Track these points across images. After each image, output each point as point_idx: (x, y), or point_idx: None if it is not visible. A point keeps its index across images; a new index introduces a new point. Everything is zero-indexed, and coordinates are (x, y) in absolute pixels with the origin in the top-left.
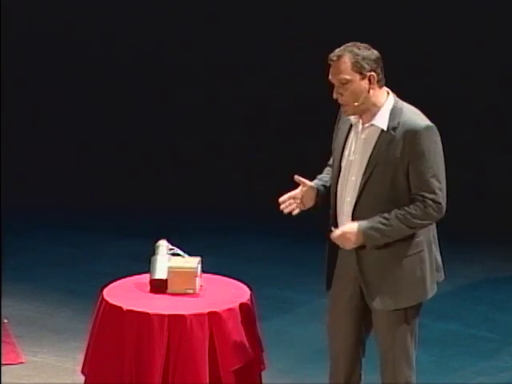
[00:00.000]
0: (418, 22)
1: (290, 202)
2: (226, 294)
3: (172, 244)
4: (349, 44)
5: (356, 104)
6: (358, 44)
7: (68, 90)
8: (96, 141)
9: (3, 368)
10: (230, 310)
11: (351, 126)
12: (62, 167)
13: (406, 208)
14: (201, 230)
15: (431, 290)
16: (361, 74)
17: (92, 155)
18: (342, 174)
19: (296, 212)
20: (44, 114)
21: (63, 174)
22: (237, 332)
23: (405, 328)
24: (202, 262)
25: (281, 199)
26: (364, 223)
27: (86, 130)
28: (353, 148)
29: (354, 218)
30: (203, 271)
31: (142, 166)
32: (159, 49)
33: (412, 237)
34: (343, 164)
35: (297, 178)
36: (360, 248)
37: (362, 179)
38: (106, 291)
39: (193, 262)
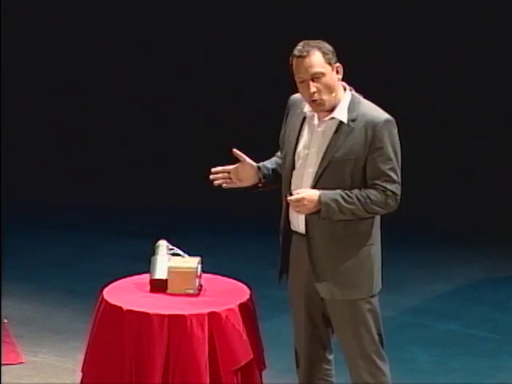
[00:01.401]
0: (417, 22)
1: (224, 175)
2: (226, 294)
3: (172, 244)
4: (304, 41)
5: (333, 95)
6: (313, 40)
7: (68, 89)
8: (96, 141)
9: (3, 368)
10: (230, 310)
11: (304, 119)
12: (62, 167)
13: (367, 191)
14: (201, 230)
15: (377, 286)
16: (330, 65)
17: (92, 155)
18: (296, 167)
19: (225, 186)
20: (44, 114)
21: (63, 174)
22: (237, 332)
23: (366, 316)
24: (202, 262)
25: (213, 170)
26: (326, 194)
27: (86, 129)
28: (308, 141)
29: None
30: (203, 271)
31: (141, 166)
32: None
33: (365, 229)
34: (298, 157)
35: (235, 151)
36: (311, 236)
37: (318, 171)
38: (105, 291)
39: (193, 262)
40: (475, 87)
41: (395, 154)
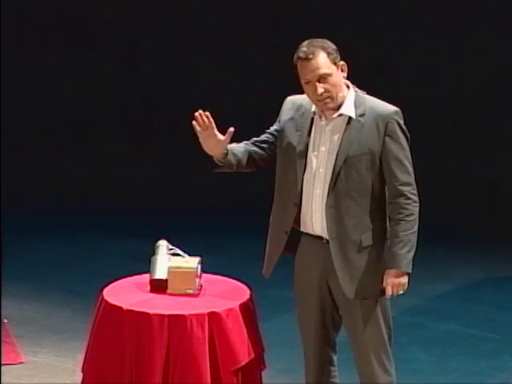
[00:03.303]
0: (418, 22)
1: (204, 124)
2: (226, 294)
3: (172, 244)
4: (308, 41)
5: (340, 95)
6: (317, 39)
7: (68, 89)
8: (96, 141)
9: (3, 368)
10: (230, 309)
11: (312, 120)
12: (62, 167)
13: (398, 217)
14: (201, 230)
15: None
16: (336, 64)
17: (92, 155)
18: (307, 168)
19: (196, 129)
20: (44, 114)
21: (63, 174)
22: (237, 332)
23: (379, 318)
24: (202, 262)
25: (202, 113)
26: (394, 262)
27: (86, 129)
28: (318, 141)
29: (326, 210)
30: (203, 271)
31: (141, 166)
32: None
33: (379, 225)
34: (308, 158)
35: (231, 131)
36: (330, 238)
37: (334, 169)
38: (105, 291)
39: (193, 262)
40: (475, 87)
41: (406, 144)
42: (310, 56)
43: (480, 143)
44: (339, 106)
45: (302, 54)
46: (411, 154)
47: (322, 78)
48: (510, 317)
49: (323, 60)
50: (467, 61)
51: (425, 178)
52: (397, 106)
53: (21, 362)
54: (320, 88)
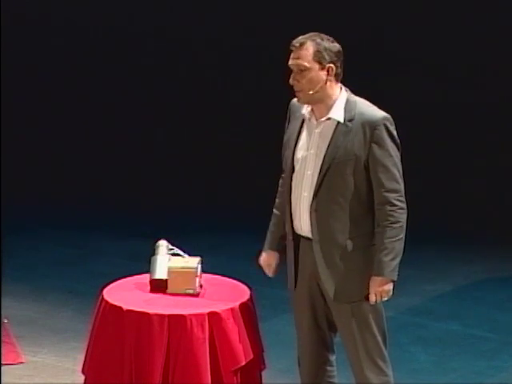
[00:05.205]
0: (417, 23)
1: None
2: (226, 294)
3: (172, 244)
4: (313, 33)
5: (311, 93)
6: (323, 35)
7: (68, 89)
8: (96, 141)
9: (3, 368)
10: (229, 310)
11: (303, 121)
12: (62, 167)
13: (384, 224)
14: (201, 230)
15: None
16: (320, 63)
17: (92, 155)
18: (296, 169)
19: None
20: (44, 114)
21: (63, 174)
22: (237, 332)
23: (370, 320)
24: (202, 262)
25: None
26: (378, 270)
27: (86, 129)
28: (307, 143)
29: (311, 213)
30: (203, 271)
31: (141, 166)
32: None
33: (367, 230)
34: (296, 160)
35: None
36: (315, 240)
37: (320, 173)
38: (106, 291)
39: (193, 262)
40: (476, 87)
41: (395, 151)
42: (297, 44)
43: (480, 143)
44: (329, 109)
45: (293, 41)
46: (408, 156)
47: (299, 70)
48: (510, 317)
49: (306, 53)
50: (468, 62)
51: (424, 178)
52: (395, 104)
53: (21, 362)
54: (292, 79)
